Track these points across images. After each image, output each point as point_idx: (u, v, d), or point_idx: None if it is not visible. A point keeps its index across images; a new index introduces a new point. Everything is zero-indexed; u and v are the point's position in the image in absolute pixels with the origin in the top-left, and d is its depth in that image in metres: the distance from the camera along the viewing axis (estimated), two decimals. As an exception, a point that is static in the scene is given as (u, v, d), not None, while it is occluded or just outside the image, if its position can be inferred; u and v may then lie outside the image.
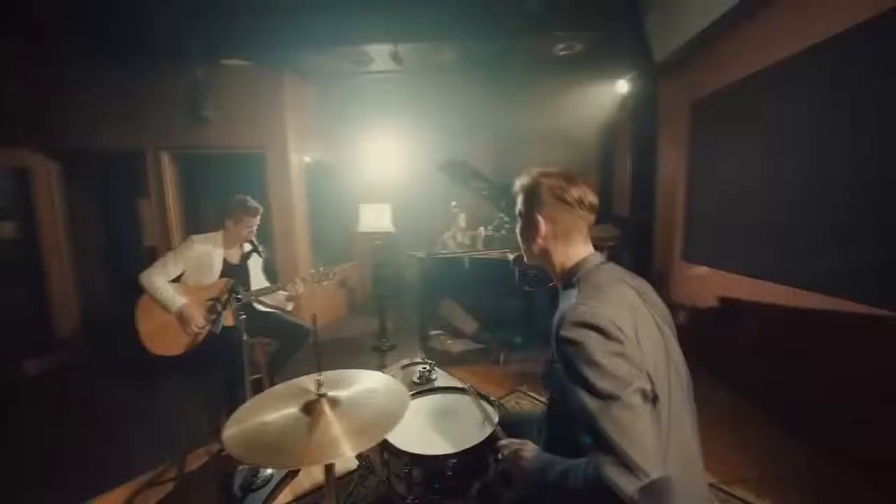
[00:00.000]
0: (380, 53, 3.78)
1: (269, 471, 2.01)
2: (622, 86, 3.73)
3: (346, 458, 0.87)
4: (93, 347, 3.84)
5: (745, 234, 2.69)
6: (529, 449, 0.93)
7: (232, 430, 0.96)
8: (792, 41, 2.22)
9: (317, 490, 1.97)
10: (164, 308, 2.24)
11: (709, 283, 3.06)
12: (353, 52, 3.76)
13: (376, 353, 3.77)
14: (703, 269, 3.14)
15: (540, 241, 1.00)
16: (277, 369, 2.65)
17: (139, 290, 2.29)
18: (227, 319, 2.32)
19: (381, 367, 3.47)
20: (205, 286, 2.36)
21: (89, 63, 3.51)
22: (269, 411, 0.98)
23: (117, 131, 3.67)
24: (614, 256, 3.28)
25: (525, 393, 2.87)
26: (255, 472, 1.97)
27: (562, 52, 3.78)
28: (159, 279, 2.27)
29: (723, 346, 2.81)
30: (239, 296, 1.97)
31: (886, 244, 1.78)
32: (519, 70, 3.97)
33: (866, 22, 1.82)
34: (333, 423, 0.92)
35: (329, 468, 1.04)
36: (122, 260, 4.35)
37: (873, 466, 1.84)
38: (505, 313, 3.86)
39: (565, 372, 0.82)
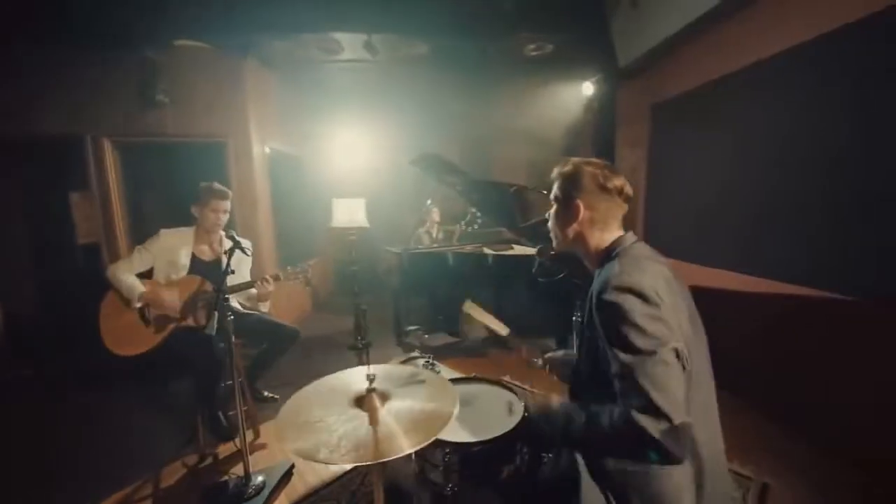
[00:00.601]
0: (351, 42, 3.67)
1: (261, 478, 1.92)
2: (588, 87, 3.94)
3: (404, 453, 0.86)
4: (17, 358, 3.38)
5: (700, 226, 2.98)
6: (555, 398, 1.00)
7: (285, 423, 0.96)
8: (745, 54, 2.49)
9: (313, 493, 1.91)
10: (127, 298, 2.08)
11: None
12: (323, 39, 3.61)
13: (353, 352, 3.68)
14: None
15: (576, 226, 1.05)
16: (262, 373, 2.52)
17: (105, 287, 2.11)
18: (193, 319, 2.19)
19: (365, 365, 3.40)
20: (172, 282, 2.19)
21: (21, 40, 3.06)
22: (320, 407, 0.96)
23: (50, 115, 3.24)
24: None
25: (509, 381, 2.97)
26: (244, 480, 1.87)
27: (532, 53, 3.91)
28: (122, 271, 2.12)
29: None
30: (225, 296, 1.83)
31: (822, 236, 2.09)
32: (491, 68, 4.04)
33: (813, 40, 2.09)
34: (387, 419, 0.91)
35: (382, 466, 1.03)
36: (51, 260, 3.85)
37: (820, 436, 2.11)
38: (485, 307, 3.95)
39: (604, 332, 0.88)
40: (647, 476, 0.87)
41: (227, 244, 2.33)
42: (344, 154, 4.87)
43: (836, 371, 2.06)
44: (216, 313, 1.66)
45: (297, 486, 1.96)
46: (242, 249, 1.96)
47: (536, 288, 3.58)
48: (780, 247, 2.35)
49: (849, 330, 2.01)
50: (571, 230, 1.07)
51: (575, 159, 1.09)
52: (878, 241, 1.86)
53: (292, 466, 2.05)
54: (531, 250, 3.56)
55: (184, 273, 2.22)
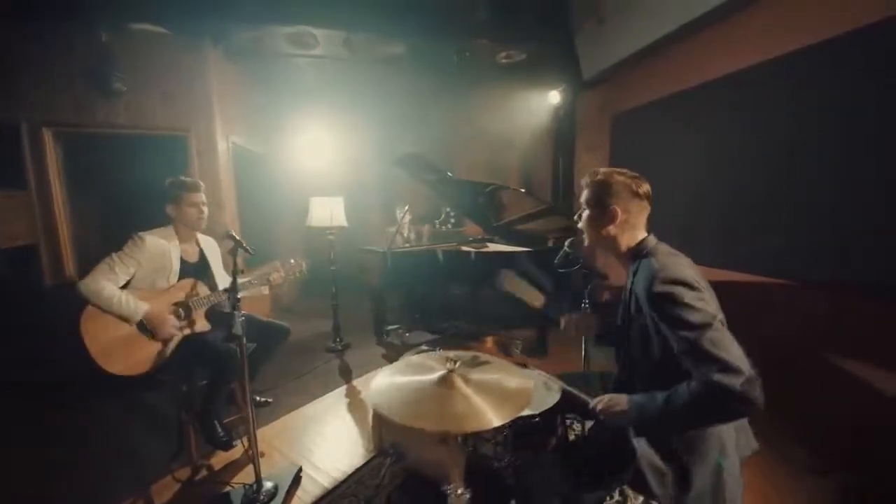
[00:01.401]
0: (328, 38, 3.60)
1: (270, 484, 1.86)
2: (555, 96, 4.22)
3: (489, 425, 0.94)
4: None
5: (658, 224, 3.36)
6: (618, 398, 1.13)
7: (378, 393, 1.03)
8: (698, 73, 2.87)
9: (329, 493, 1.90)
10: (125, 319, 1.88)
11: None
12: (297, 32, 3.51)
13: (332, 354, 3.63)
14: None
15: (612, 227, 1.20)
16: (255, 373, 2.42)
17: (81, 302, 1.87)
18: (195, 326, 2.07)
19: (343, 368, 3.37)
20: (164, 290, 2.02)
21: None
22: (408, 381, 1.02)
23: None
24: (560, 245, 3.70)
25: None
26: (254, 487, 1.81)
27: (503, 60, 4.12)
28: (108, 286, 1.88)
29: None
30: (237, 295, 1.75)
31: (757, 228, 2.50)
32: (463, 73, 4.17)
33: (757, 64, 2.48)
34: (471, 397, 0.99)
35: (453, 440, 1.10)
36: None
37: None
38: (461, 301, 4.06)
39: (661, 319, 1.02)
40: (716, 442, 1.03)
41: (228, 244, 2.24)
42: (309, 153, 4.73)
43: (767, 342, 2.47)
44: (237, 314, 1.60)
45: (308, 489, 1.93)
46: (245, 248, 1.89)
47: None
48: (723, 238, 2.75)
49: (776, 307, 2.43)
50: (605, 231, 1.21)
51: (605, 169, 1.24)
52: (803, 234, 2.28)
53: (300, 470, 2.01)
54: (508, 248, 3.75)
55: (175, 278, 2.07)
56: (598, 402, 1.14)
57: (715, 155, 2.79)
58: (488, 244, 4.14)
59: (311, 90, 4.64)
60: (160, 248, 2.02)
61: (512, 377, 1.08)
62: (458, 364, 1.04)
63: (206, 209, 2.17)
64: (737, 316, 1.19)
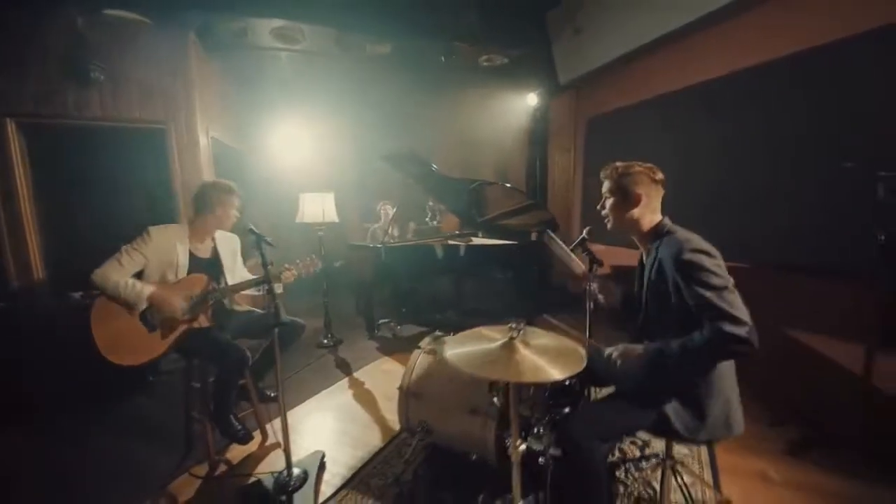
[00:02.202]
0: (314, 33, 3.60)
1: (299, 470, 1.91)
2: (532, 98, 4.48)
3: (552, 377, 1.11)
4: None
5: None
6: (634, 346, 1.33)
7: (452, 353, 1.19)
8: (666, 83, 3.22)
9: (356, 475, 1.98)
10: (130, 305, 1.88)
11: (603, 256, 4.04)
12: (283, 26, 3.49)
13: (325, 350, 3.64)
14: (598, 247, 4.11)
15: (636, 211, 1.41)
16: (266, 370, 2.43)
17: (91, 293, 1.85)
18: (198, 321, 2.07)
19: (340, 363, 3.40)
20: (171, 284, 2.02)
21: None
22: (476, 347, 1.17)
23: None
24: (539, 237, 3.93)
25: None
26: (286, 474, 1.85)
27: (485, 63, 4.31)
28: (114, 275, 1.88)
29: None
30: (270, 288, 1.79)
31: (713, 222, 2.88)
32: (448, 74, 4.32)
33: (718, 78, 2.84)
34: (532, 357, 1.15)
35: (508, 393, 1.25)
36: None
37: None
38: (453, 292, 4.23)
39: (685, 280, 1.22)
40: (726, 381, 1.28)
41: (235, 239, 2.25)
42: (288, 150, 4.67)
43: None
44: (277, 303, 1.65)
45: (334, 471, 2.00)
46: (267, 242, 1.93)
47: (504, 274, 4.00)
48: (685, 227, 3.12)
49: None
50: (628, 214, 1.42)
51: (623, 162, 1.45)
52: (754, 224, 2.66)
53: (323, 456, 2.07)
54: (495, 241, 3.95)
55: (183, 272, 2.06)
56: (615, 350, 1.34)
57: (680, 155, 3.15)
58: (472, 238, 4.32)
59: (291, 87, 4.57)
60: (167, 243, 2.02)
61: (563, 343, 1.25)
62: (520, 332, 1.20)
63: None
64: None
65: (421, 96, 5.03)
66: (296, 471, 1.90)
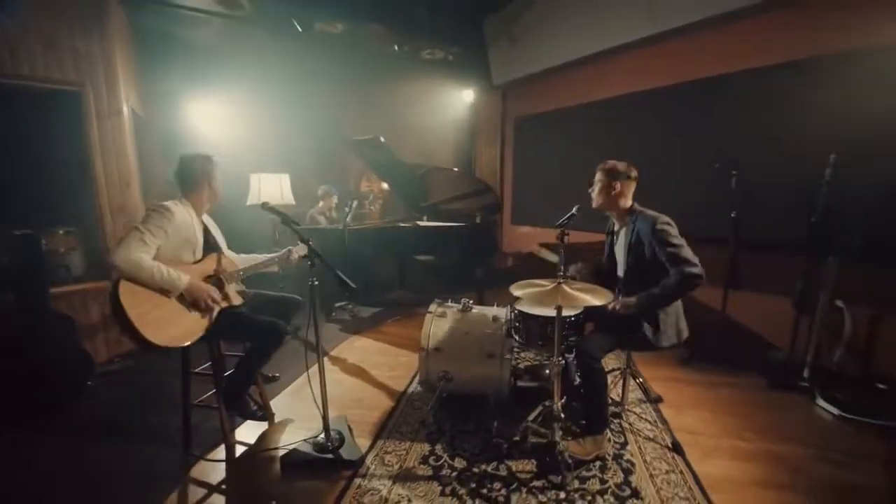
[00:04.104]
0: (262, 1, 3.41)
1: (333, 432, 2.03)
2: (469, 94, 4.93)
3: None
4: None
5: (548, 202, 4.48)
6: (628, 298, 1.89)
7: (521, 292, 1.61)
8: (587, 94, 3.99)
9: (385, 426, 2.20)
10: (166, 290, 1.75)
11: (530, 236, 4.79)
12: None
13: (289, 336, 3.54)
14: (526, 228, 4.85)
15: (615, 195, 1.94)
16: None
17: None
18: (229, 300, 2.02)
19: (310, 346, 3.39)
20: (191, 263, 1.92)
21: None
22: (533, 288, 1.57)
23: None
24: (484, 220, 4.43)
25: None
26: (325, 436, 1.97)
27: (427, 56, 4.59)
28: (146, 258, 1.72)
29: (539, 270, 4.60)
30: (310, 259, 1.87)
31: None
32: (393, 63, 4.46)
33: (627, 94, 3.68)
34: (576, 293, 1.60)
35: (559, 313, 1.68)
36: None
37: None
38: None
39: (658, 241, 1.79)
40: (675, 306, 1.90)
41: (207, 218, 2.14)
42: (214, 126, 4.25)
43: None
44: (338, 274, 1.77)
45: (361, 430, 2.18)
46: (294, 222, 1.99)
47: (451, 254, 4.40)
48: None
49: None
50: (611, 197, 1.96)
51: (611, 161, 1.98)
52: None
53: (346, 418, 2.23)
54: (444, 224, 4.30)
55: (200, 253, 1.96)
56: (615, 303, 1.89)
57: (593, 155, 3.97)
58: (418, 223, 4.61)
59: (226, 60, 4.15)
60: (186, 219, 1.90)
61: (590, 287, 1.73)
62: (565, 279, 1.64)
63: None
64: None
65: (368, 85, 5.05)
66: (333, 433, 2.03)
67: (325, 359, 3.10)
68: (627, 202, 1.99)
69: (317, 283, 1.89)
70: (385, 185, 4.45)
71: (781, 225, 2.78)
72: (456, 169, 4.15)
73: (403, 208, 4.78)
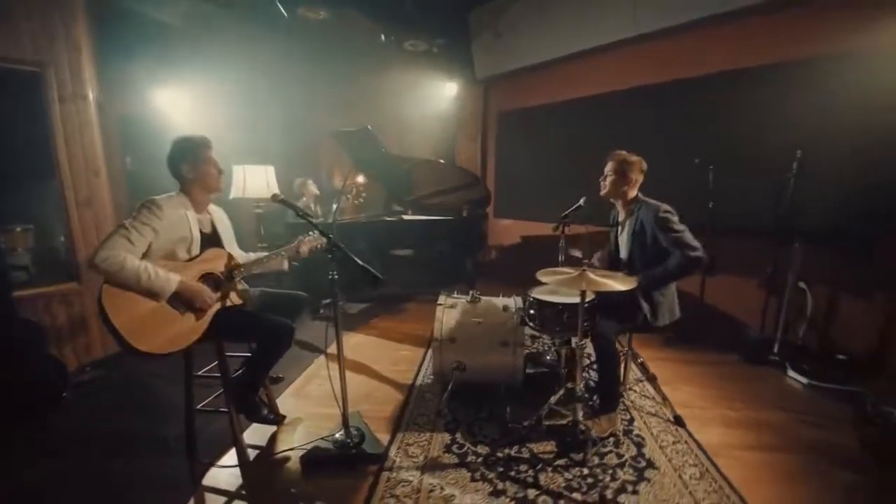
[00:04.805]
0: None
1: (352, 428, 1.99)
2: (451, 88, 4.91)
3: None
4: None
5: (531, 196, 4.61)
6: (631, 277, 2.00)
7: (548, 279, 1.69)
8: (570, 91, 4.12)
9: (401, 418, 2.19)
10: (155, 294, 1.61)
11: (513, 230, 4.90)
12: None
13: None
14: (508, 222, 4.96)
15: (626, 187, 2.05)
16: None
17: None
18: (229, 299, 1.92)
19: (303, 344, 3.29)
20: (186, 262, 1.78)
21: None
22: (559, 276, 1.64)
23: None
24: (471, 213, 4.46)
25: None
26: (345, 433, 1.94)
27: (409, 47, 4.54)
28: (131, 258, 1.57)
29: (523, 263, 4.72)
30: (330, 252, 1.81)
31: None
32: (378, 53, 4.36)
33: (608, 92, 3.84)
34: (599, 279, 1.68)
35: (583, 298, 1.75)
36: None
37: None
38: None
39: (661, 228, 1.91)
40: (671, 289, 2.04)
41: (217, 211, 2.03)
42: (184, 115, 3.96)
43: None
44: (364, 265, 1.73)
45: (377, 426, 2.15)
46: (306, 214, 1.92)
47: (449, 246, 4.41)
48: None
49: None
50: (623, 188, 2.07)
51: (623, 153, 2.08)
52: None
53: (360, 413, 2.20)
54: (433, 217, 4.30)
55: (197, 248, 1.81)
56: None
57: (576, 151, 4.13)
58: (402, 217, 4.57)
59: (203, 47, 3.86)
60: (178, 214, 1.75)
61: (613, 274, 1.81)
62: (587, 266, 1.71)
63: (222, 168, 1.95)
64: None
65: (345, 73, 4.89)
66: (352, 429, 1.99)
67: (323, 357, 3.03)
68: (633, 193, 2.11)
69: (337, 276, 1.84)
70: (360, 179, 4.35)
71: (753, 215, 3.04)
72: (441, 160, 4.15)
73: (385, 202, 4.70)
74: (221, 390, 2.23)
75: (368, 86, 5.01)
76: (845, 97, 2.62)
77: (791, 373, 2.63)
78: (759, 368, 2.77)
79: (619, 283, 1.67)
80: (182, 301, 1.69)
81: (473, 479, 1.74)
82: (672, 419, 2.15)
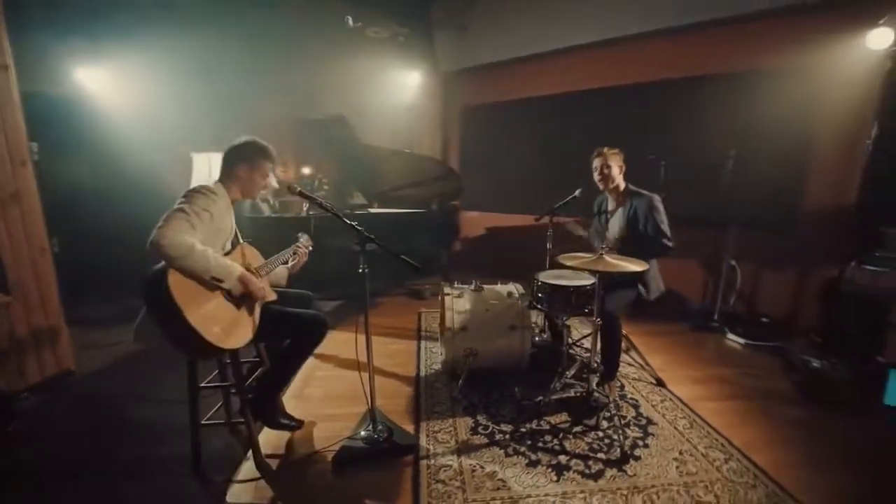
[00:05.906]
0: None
1: (379, 425, 1.98)
2: (415, 77, 4.84)
3: None
4: None
5: (495, 189, 4.81)
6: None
7: (571, 262, 1.83)
8: (536, 86, 4.34)
9: (421, 407, 2.22)
10: (218, 278, 1.51)
11: (478, 221, 5.07)
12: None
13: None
14: (474, 214, 5.11)
15: (619, 178, 2.31)
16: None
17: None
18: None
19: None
20: (240, 253, 1.76)
21: None
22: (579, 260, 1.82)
23: None
24: (442, 205, 4.50)
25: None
26: (373, 429, 1.93)
27: (372, 34, 4.40)
28: (198, 243, 1.46)
29: (492, 252, 4.93)
30: (361, 246, 1.79)
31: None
32: (335, 39, 4.15)
33: (568, 92, 4.12)
34: (617, 262, 1.87)
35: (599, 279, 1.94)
36: None
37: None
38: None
39: (653, 214, 2.20)
40: (655, 268, 2.34)
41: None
42: (120, 97, 3.45)
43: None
44: (402, 257, 1.72)
45: (397, 418, 2.16)
46: (324, 204, 1.86)
47: (419, 237, 4.40)
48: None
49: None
50: (616, 180, 2.32)
51: (615, 150, 2.32)
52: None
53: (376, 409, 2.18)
54: (404, 210, 4.26)
55: (228, 247, 1.75)
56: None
57: (541, 147, 4.40)
58: (369, 210, 4.46)
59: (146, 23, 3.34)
60: (226, 204, 1.68)
61: (627, 258, 2.01)
62: (605, 250, 1.90)
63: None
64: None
65: (303, 59, 4.56)
66: (379, 425, 1.98)
67: (314, 358, 2.90)
68: (623, 182, 2.38)
69: (367, 270, 1.81)
70: (306, 170, 4.17)
71: (696, 204, 3.54)
72: (408, 150, 4.12)
73: (341, 194, 4.52)
74: (221, 402, 2.10)
75: (329, 73, 4.74)
76: (768, 105, 3.16)
77: (730, 335, 3.16)
78: (704, 334, 3.28)
79: (633, 265, 1.88)
80: (237, 293, 1.61)
81: (507, 455, 1.86)
82: (654, 381, 2.48)
